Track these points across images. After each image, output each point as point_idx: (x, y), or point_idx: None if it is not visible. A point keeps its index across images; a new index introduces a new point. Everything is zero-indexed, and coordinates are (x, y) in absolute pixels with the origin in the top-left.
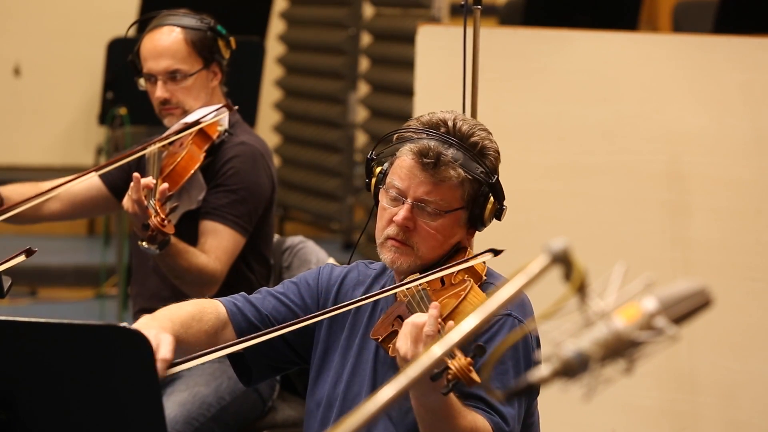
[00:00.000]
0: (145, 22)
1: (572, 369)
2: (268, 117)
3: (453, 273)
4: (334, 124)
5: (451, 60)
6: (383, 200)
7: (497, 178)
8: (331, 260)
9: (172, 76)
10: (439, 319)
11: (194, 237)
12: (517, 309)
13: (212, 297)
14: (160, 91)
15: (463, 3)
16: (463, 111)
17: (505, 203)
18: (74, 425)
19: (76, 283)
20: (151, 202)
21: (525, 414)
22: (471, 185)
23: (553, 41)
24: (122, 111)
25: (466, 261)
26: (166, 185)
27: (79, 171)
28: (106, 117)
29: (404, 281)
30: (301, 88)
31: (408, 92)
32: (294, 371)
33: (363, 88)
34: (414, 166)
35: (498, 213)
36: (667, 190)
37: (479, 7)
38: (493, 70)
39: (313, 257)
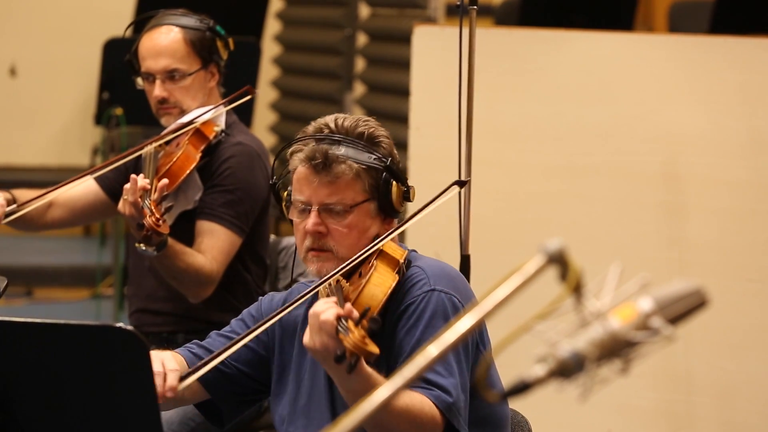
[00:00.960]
0: (141, 23)
1: (568, 369)
2: (264, 117)
3: (368, 263)
4: None
5: (447, 60)
6: (294, 217)
7: (392, 160)
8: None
9: (171, 75)
10: (347, 305)
11: (191, 237)
12: (435, 280)
13: (206, 300)
14: (158, 90)
15: (458, 3)
16: (459, 111)
17: (410, 183)
18: (70, 425)
19: (72, 284)
20: (146, 202)
21: (481, 405)
22: (369, 175)
23: (549, 42)
24: (118, 111)
25: (374, 245)
26: (165, 181)
27: (76, 171)
28: (102, 117)
29: (321, 280)
30: (297, 88)
31: (404, 93)
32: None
33: (359, 89)
34: (308, 173)
35: (406, 195)
36: (664, 191)
37: (475, 7)
38: (489, 71)
39: None
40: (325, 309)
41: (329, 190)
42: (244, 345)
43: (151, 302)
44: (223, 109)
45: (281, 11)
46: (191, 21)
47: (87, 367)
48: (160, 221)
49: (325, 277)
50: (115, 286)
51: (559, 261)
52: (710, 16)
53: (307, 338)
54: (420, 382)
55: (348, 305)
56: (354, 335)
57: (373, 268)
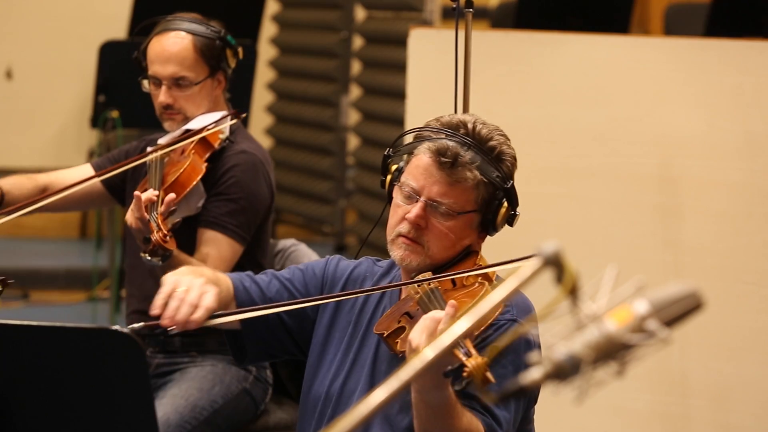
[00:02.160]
0: (143, 27)
1: (564, 372)
2: (260, 120)
3: (469, 278)
4: (326, 127)
5: (443, 63)
6: (397, 197)
7: (512, 183)
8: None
9: (177, 82)
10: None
11: (192, 243)
12: (520, 312)
13: None
14: (163, 96)
15: (455, 6)
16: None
17: (518, 210)
18: (66, 428)
19: (68, 286)
20: (153, 215)
21: (523, 420)
22: (486, 189)
23: (544, 44)
24: (114, 114)
25: (481, 268)
26: (172, 195)
27: None
28: (98, 120)
29: (416, 278)
30: (293, 91)
31: (400, 95)
32: (286, 374)
33: (355, 91)
34: (431, 165)
35: (510, 219)
36: (659, 193)
37: (471, 10)
38: (485, 73)
39: (305, 260)
40: (446, 322)
41: (445, 189)
42: (295, 298)
43: (150, 303)
44: (227, 123)
45: (277, 14)
46: (202, 28)
47: (83, 370)
48: (167, 237)
49: (425, 279)
50: (112, 288)
51: (555, 263)
52: (705, 19)
53: (417, 338)
54: (477, 404)
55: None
56: (478, 360)
57: (485, 288)
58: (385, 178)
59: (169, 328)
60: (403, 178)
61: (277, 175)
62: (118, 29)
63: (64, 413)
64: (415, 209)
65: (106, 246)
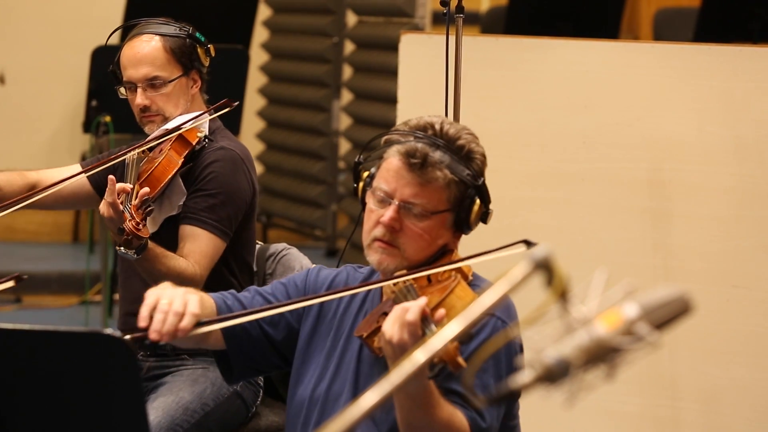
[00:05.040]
0: (129, 30)
1: (554, 375)
2: (251, 125)
3: (440, 272)
4: (317, 131)
5: (433, 68)
6: (370, 203)
7: (483, 180)
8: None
9: (152, 83)
10: (427, 309)
11: (176, 242)
12: (502, 311)
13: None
14: (139, 99)
15: (445, 11)
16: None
17: (491, 207)
18: (58, 431)
19: (61, 290)
20: (127, 206)
21: (507, 416)
22: (457, 187)
23: (535, 49)
24: (106, 119)
25: (456, 262)
26: (146, 189)
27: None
28: (90, 125)
29: (392, 277)
30: (284, 96)
31: (391, 100)
32: (278, 376)
33: (346, 96)
34: (401, 168)
35: (484, 216)
36: (648, 197)
37: (462, 15)
38: (475, 78)
39: (297, 264)
40: (415, 311)
41: (417, 190)
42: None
43: (139, 305)
44: (206, 118)
45: (269, 19)
46: (170, 29)
47: (75, 374)
48: (140, 225)
49: (400, 276)
50: (104, 292)
51: (545, 267)
52: (694, 24)
53: (387, 326)
54: (459, 398)
55: (441, 311)
56: (448, 345)
57: (456, 281)
58: (358, 185)
59: (157, 341)
60: (375, 183)
61: (268, 180)
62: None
63: (56, 417)
64: (388, 212)
65: (98, 250)
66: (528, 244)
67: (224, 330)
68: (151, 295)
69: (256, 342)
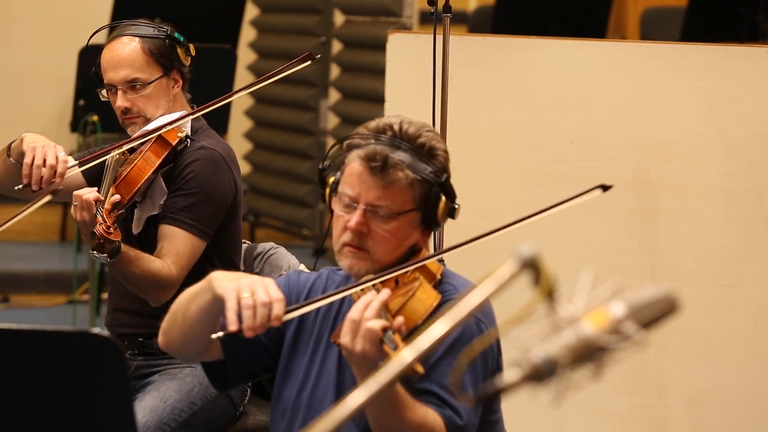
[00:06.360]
0: (113, 30)
1: (541, 374)
2: (239, 124)
3: (407, 273)
4: (304, 131)
5: (421, 67)
6: (337, 208)
7: (447, 177)
8: (302, 266)
9: (132, 85)
10: (389, 315)
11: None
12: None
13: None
14: (120, 101)
15: (433, 10)
16: (433, 118)
17: (457, 202)
18: (45, 430)
19: (48, 290)
20: (99, 210)
21: (487, 411)
22: (421, 186)
23: (522, 48)
24: (94, 118)
25: (420, 261)
26: (117, 196)
27: None
28: (78, 124)
29: (359, 282)
30: (271, 95)
31: (378, 99)
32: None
33: (334, 96)
34: (363, 172)
35: (451, 212)
36: (636, 197)
37: (449, 14)
38: (462, 78)
39: (285, 263)
40: (371, 317)
41: (380, 193)
42: None
43: (127, 301)
44: (188, 119)
45: (256, 19)
46: (149, 30)
47: (63, 373)
48: (111, 229)
49: (366, 281)
50: (92, 292)
51: (532, 266)
52: (681, 24)
53: (347, 340)
54: (434, 398)
55: (400, 319)
56: (401, 349)
57: (418, 282)
58: (324, 191)
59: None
60: (339, 189)
61: (256, 179)
62: (98, 34)
63: (44, 416)
64: (354, 217)
65: (86, 249)
66: (604, 188)
67: (222, 341)
68: (229, 295)
69: (253, 349)
